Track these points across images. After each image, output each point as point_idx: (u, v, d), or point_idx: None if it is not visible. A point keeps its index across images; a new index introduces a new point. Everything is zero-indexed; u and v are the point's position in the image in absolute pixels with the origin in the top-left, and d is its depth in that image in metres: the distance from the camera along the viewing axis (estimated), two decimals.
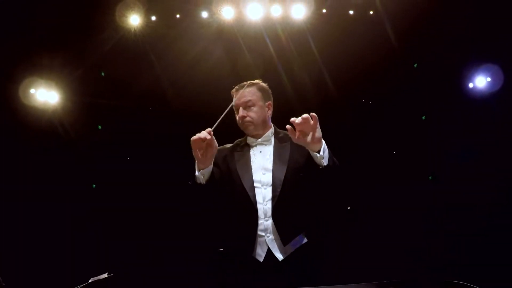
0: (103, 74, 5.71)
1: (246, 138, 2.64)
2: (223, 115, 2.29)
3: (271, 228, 2.39)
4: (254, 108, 2.55)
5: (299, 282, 2.29)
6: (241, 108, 2.55)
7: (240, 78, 2.95)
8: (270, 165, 2.47)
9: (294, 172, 2.44)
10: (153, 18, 5.54)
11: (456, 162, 5.54)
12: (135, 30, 5.48)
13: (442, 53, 5.55)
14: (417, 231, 5.48)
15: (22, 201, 5.38)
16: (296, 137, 2.14)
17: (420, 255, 5.42)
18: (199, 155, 2.21)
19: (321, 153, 2.20)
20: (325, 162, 2.22)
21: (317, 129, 2.14)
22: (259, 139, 2.58)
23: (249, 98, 2.55)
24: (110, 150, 5.75)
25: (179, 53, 5.58)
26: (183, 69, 5.57)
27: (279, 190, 2.40)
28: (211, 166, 2.31)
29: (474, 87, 5.83)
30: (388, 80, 5.69)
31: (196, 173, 2.30)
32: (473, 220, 5.31)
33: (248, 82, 2.61)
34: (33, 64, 5.44)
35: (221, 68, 5.59)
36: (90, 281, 4.06)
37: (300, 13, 5.46)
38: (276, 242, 2.40)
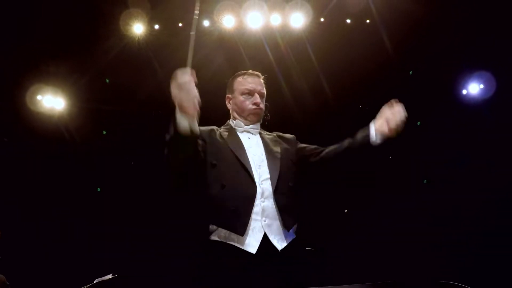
0: (107, 81, 5.82)
1: (231, 123, 2.49)
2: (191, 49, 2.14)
3: (268, 210, 2.15)
4: (263, 101, 2.50)
5: (295, 277, 2.12)
6: (257, 95, 2.46)
7: None
8: (261, 149, 2.36)
9: (285, 157, 2.35)
10: (156, 26, 5.65)
11: (450, 166, 5.64)
12: (138, 38, 5.58)
13: (436, 60, 5.65)
14: (413, 233, 5.58)
15: (27, 203, 5.50)
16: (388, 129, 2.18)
17: (415, 257, 5.52)
18: (195, 102, 1.96)
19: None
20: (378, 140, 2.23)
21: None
22: (248, 126, 2.46)
23: (264, 90, 2.51)
24: (114, 154, 5.85)
25: (181, 61, 5.63)
26: None
27: (277, 172, 2.25)
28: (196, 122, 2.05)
29: (467, 93, 5.97)
30: (384, 86, 5.77)
31: (182, 121, 1.99)
32: (468, 222, 5.42)
33: (258, 73, 2.56)
34: (40, 72, 5.57)
35: (222, 75, 5.66)
36: (95, 281, 4.17)
37: (298, 21, 5.58)
38: (273, 227, 2.14)
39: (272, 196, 2.17)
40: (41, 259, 5.33)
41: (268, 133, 2.54)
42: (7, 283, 4.46)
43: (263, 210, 2.13)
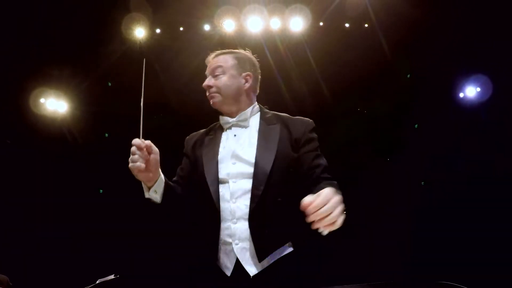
0: (110, 84, 5.88)
1: (220, 119, 2.10)
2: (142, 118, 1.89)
3: (241, 233, 1.82)
4: (223, 77, 2.02)
5: None
6: (209, 77, 2.05)
7: None
8: (243, 153, 1.91)
9: (283, 164, 1.88)
10: (158, 30, 5.72)
11: (447, 168, 5.69)
12: (140, 42, 5.63)
13: (434, 64, 5.70)
14: (410, 234, 5.63)
15: (30, 204, 5.54)
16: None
17: (412, 257, 5.56)
18: (143, 169, 1.74)
19: None
20: None
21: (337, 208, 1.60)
22: (234, 119, 2.02)
23: (219, 64, 2.04)
24: (116, 156, 5.89)
25: (182, 64, 5.69)
26: (186, 79, 5.68)
27: (262, 186, 1.82)
28: (162, 177, 1.83)
29: (464, 96, 6.01)
30: (382, 89, 5.84)
31: (147, 195, 1.85)
32: (466, 223, 5.46)
33: (227, 50, 2.13)
34: (43, 75, 5.63)
35: None
36: (97, 282, 4.20)
37: (298, 25, 5.65)
38: (248, 251, 1.81)
39: (245, 217, 1.82)
40: (44, 259, 5.35)
41: (273, 115, 2.10)
42: (10, 284, 4.50)
43: (234, 233, 1.82)
